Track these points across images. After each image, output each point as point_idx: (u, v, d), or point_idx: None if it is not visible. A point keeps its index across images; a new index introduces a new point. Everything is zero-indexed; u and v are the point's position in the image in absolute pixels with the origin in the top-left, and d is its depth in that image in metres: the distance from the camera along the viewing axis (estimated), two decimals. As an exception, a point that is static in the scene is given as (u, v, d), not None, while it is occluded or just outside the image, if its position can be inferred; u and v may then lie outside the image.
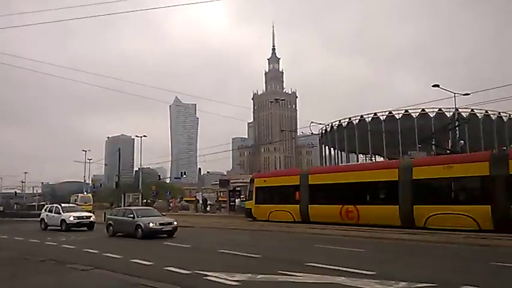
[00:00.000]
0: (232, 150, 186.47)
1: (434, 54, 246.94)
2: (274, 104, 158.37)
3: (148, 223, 17.67)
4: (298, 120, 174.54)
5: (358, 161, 72.01)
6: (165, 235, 17.56)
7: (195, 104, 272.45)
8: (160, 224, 17.97)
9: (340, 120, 66.69)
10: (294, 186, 24.93)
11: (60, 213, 23.76)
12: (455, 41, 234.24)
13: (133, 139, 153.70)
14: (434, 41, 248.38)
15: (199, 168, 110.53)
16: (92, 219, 23.81)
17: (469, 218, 17.16)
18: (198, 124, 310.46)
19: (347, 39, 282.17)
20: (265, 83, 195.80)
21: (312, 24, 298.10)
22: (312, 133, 55.98)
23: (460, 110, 47.10)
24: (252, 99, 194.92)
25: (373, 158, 69.05)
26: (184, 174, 61.17)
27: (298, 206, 24.35)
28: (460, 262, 10.66)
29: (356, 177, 22.15)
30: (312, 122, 54.28)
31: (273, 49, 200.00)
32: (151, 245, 15.39)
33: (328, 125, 68.39)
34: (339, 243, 14.26)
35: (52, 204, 28.61)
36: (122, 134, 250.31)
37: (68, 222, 22.89)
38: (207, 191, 75.48)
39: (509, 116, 59.02)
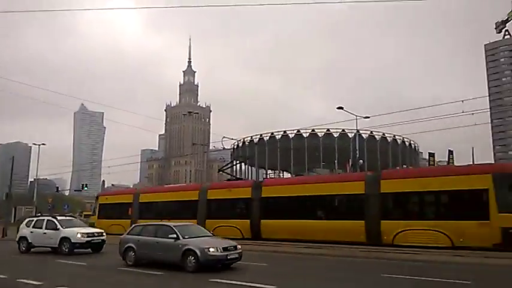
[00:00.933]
0: (141, 162, 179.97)
1: (344, 77, 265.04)
2: (188, 116, 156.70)
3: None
4: (211, 134, 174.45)
5: (267, 177, 73.90)
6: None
7: (103, 113, 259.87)
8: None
9: (251, 136, 68.03)
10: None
11: (58, 229, 17.31)
12: (363, 67, 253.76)
13: (31, 147, 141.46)
14: (345, 65, 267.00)
15: (103, 181, 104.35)
16: (104, 236, 17.87)
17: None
18: (104, 133, 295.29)
19: (261, 58, 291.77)
20: (180, 95, 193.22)
21: (227, 40, 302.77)
22: (224, 148, 56.32)
23: (360, 131, 50.66)
24: (165, 110, 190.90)
25: (281, 174, 71.28)
26: (86, 186, 57.12)
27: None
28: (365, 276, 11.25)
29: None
30: (224, 137, 54.69)
31: (189, 61, 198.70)
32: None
33: (240, 140, 69.33)
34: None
35: (38, 216, 21.71)
36: (18, 141, 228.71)
37: (74, 241, 16.76)
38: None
39: (402, 139, 65.01)
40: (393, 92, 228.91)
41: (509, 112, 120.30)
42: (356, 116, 37.16)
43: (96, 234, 17.50)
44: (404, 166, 71.11)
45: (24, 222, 19.10)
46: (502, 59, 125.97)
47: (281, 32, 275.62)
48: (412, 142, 68.25)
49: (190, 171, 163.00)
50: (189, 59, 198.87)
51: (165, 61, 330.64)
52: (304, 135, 63.10)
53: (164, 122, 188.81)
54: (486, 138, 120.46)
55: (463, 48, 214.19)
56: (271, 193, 22.14)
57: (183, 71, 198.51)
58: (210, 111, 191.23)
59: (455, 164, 69.76)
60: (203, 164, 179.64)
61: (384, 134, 62.39)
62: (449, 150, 69.72)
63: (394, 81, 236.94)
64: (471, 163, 38.16)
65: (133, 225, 14.85)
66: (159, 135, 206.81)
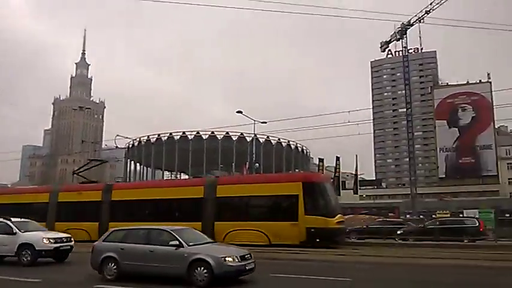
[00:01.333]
0: (22, 159, 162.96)
1: (246, 82, 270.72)
2: (79, 111, 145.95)
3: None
4: (104, 132, 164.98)
5: (163, 178, 72.20)
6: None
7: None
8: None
9: (148, 136, 65.89)
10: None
11: (14, 233, 13.96)
12: (265, 74, 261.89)
13: None
14: (249, 70, 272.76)
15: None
16: (72, 242, 14.96)
17: None
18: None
19: (162, 56, 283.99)
20: (70, 88, 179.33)
21: (127, 34, 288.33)
22: (117, 146, 53.51)
23: (258, 135, 52.20)
24: (53, 104, 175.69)
25: (179, 175, 70.23)
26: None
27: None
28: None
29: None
30: (117, 135, 51.95)
31: (83, 53, 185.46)
32: None
33: (135, 139, 66.68)
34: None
35: None
36: None
37: (38, 248, 13.56)
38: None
39: (296, 144, 68.54)
40: (291, 99, 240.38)
41: (388, 124, 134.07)
42: (254, 120, 38.34)
43: (64, 240, 14.57)
44: (297, 170, 75.06)
45: None
46: (385, 76, 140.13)
47: (184, 31, 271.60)
48: (304, 148, 72.23)
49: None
50: (83, 50, 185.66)
51: (55, 51, 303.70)
52: (204, 137, 62.96)
53: (51, 116, 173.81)
54: (370, 147, 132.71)
55: (355, 63, 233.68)
56: (120, 196, 22.68)
57: (76, 63, 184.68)
58: (104, 107, 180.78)
59: (341, 170, 75.73)
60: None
61: (279, 139, 65.10)
62: (337, 157, 75.27)
63: (293, 89, 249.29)
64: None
65: (112, 230, 11.79)
66: (45, 130, 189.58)
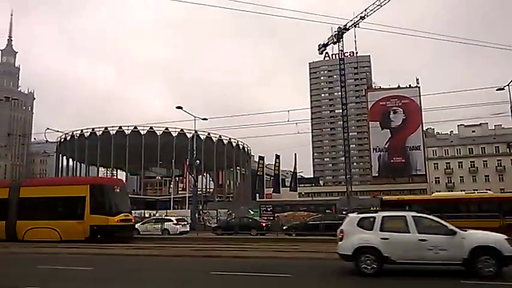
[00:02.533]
0: None
1: (186, 76, 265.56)
2: (4, 102, 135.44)
3: None
4: (33, 125, 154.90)
5: (98, 174, 69.09)
6: None
7: None
8: None
9: (82, 130, 62.66)
10: None
11: (453, 233, 9.81)
12: (205, 68, 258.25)
13: None
14: (187, 63, 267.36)
15: None
16: None
17: None
18: None
19: (94, 45, 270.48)
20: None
21: (54, 19, 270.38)
22: (47, 141, 50.33)
23: (198, 132, 51.51)
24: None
25: (115, 172, 67.58)
26: None
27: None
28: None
29: None
30: (47, 129, 49.00)
31: (9, 40, 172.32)
32: None
33: (68, 133, 63.17)
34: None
35: None
36: None
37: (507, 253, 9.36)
38: None
39: (237, 142, 68.66)
40: (232, 96, 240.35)
41: (326, 124, 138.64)
42: (194, 116, 37.71)
43: None
44: (238, 168, 75.30)
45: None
46: (322, 77, 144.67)
47: (116, 19, 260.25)
48: (245, 145, 72.58)
49: (6, 165, 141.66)
50: (10, 36, 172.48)
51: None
52: (142, 132, 60.99)
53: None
54: (307, 146, 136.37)
55: (295, 63, 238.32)
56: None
57: (1, 50, 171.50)
58: (34, 98, 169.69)
59: (281, 168, 77.08)
60: (22, 158, 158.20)
61: (220, 136, 64.74)
62: (276, 155, 76.64)
63: (234, 86, 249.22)
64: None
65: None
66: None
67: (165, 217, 31.65)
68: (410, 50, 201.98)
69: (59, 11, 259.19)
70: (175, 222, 29.28)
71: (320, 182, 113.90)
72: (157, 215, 36.84)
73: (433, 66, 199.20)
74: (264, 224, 29.27)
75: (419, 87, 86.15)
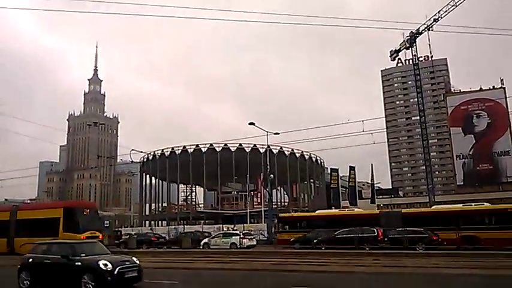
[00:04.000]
0: (39, 175, 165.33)
1: (254, 91, 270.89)
2: (93, 127, 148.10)
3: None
4: (118, 146, 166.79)
5: (179, 191, 72.44)
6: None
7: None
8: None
9: (162, 150, 66.31)
10: None
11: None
12: (272, 82, 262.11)
13: None
14: (256, 78, 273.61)
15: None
16: None
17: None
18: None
19: (168, 67, 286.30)
20: (84, 104, 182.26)
21: (130, 46, 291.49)
22: (132, 161, 53.99)
23: (271, 146, 52.11)
24: (68, 120, 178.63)
25: (194, 188, 70.41)
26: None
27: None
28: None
29: None
30: (132, 150, 52.60)
31: (95, 69, 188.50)
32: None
33: (150, 153, 67.18)
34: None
35: None
36: None
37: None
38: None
39: (310, 155, 68.26)
40: (303, 108, 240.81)
41: (402, 132, 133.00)
42: (267, 132, 38.32)
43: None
44: (312, 180, 74.70)
45: None
46: (396, 84, 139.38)
47: (186, 41, 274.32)
48: (318, 158, 71.91)
49: (95, 185, 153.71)
50: (95, 66, 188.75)
51: (64, 65, 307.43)
52: (217, 149, 63.07)
53: (66, 132, 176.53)
54: (384, 156, 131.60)
55: (362, 71, 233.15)
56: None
57: (89, 80, 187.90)
58: (118, 122, 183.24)
59: (357, 179, 75.14)
60: (110, 178, 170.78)
61: (292, 150, 64.83)
62: (351, 166, 74.97)
63: (304, 97, 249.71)
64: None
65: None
66: (61, 146, 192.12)
67: (233, 231, 32.50)
68: (489, 49, 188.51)
69: (132, 38, 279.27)
70: (242, 236, 30.04)
71: (399, 192, 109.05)
72: (235, 228, 37.77)
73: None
74: (381, 237, 26.20)
75: (504, 88, 79.92)
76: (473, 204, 28.12)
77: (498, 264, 15.00)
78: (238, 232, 31.19)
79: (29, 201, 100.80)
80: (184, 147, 64.54)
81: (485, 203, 27.65)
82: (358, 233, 25.53)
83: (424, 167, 59.79)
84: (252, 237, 31.06)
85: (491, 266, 14.41)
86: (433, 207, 31.97)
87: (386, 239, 25.26)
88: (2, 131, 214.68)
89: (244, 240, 29.46)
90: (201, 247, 30.05)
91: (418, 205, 73.74)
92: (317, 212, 35.51)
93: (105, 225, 33.48)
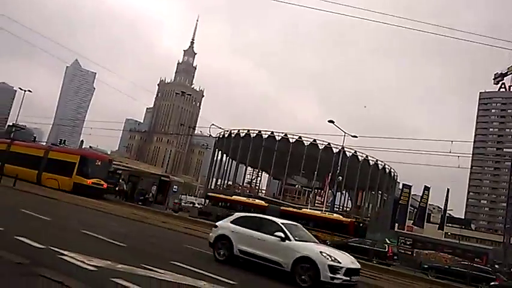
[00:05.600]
0: (124, 130, 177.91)
1: (340, 89, 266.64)
2: (180, 96, 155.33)
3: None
4: (199, 118, 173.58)
5: (245, 173, 74.04)
6: None
7: (95, 73, 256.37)
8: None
9: (239, 130, 67.95)
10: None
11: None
12: (361, 84, 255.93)
13: (16, 90, 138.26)
14: (344, 78, 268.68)
15: (82, 141, 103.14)
16: None
17: None
18: (93, 94, 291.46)
19: (260, 52, 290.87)
20: (176, 73, 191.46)
21: (230, 26, 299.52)
22: (210, 135, 56.09)
23: (345, 148, 51.14)
24: (158, 85, 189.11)
25: (260, 173, 71.55)
26: (64, 142, 55.79)
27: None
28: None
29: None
30: (212, 124, 54.53)
31: (192, 42, 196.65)
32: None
33: (227, 131, 69.19)
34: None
35: None
36: (4, 83, 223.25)
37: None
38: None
39: (384, 165, 65.90)
40: (384, 114, 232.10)
41: (489, 162, 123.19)
42: (345, 132, 37.63)
43: None
44: (380, 192, 72.23)
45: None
46: (494, 110, 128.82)
47: (287, 30, 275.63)
48: (392, 170, 69.25)
49: (171, 150, 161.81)
50: (193, 39, 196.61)
51: (163, 30, 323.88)
52: (291, 140, 63.26)
53: (155, 96, 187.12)
54: (462, 182, 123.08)
55: (459, 89, 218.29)
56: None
57: (184, 50, 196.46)
58: (203, 96, 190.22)
59: (429, 201, 71.15)
60: (185, 147, 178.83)
61: (367, 156, 63.10)
62: (426, 186, 70.98)
63: (388, 104, 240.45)
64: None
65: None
66: (147, 108, 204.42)
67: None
68: None
69: (233, 18, 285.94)
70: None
71: (471, 225, 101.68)
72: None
73: None
74: (390, 254, 25.98)
75: None
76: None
77: None
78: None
79: (109, 152, 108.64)
80: (259, 131, 65.58)
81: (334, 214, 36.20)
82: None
83: (505, 204, 54.92)
84: None
85: None
86: (302, 209, 38.10)
87: None
88: (99, 82, 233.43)
89: None
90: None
91: (490, 243, 68.43)
92: (233, 197, 42.84)
93: (174, 190, 35.08)
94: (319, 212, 35.93)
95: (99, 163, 30.80)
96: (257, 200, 40.04)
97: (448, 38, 53.72)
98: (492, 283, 21.97)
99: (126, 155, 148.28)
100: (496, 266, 32.23)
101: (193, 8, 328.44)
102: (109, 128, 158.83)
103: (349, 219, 34.32)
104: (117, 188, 33.58)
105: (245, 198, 41.28)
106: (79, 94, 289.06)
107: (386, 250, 25.88)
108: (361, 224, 35.36)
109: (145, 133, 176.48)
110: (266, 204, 37.62)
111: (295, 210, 36.99)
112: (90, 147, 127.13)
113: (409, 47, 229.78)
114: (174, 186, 35.28)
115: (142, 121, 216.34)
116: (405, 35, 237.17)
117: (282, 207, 37.66)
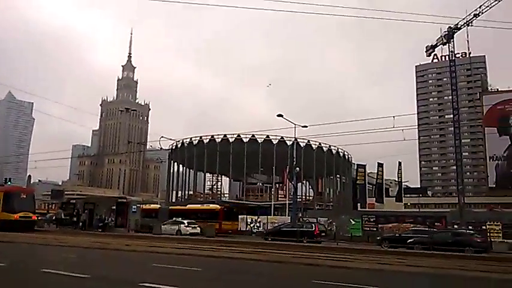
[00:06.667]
0: (72, 158, 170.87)
1: (286, 82, 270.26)
2: (125, 113, 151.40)
3: None
4: (148, 133, 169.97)
5: (205, 180, 73.29)
6: None
7: (32, 103, 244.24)
8: None
9: (191, 138, 67.10)
10: None
11: None
12: (306, 74, 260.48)
13: None
14: (289, 69, 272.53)
15: (30, 176, 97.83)
16: None
17: None
18: (33, 125, 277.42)
19: (200, 54, 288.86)
20: (117, 90, 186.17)
21: (167, 32, 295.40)
22: (161, 148, 54.87)
23: (298, 139, 51.86)
24: (101, 105, 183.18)
25: (220, 178, 71.08)
26: (9, 181, 52.74)
27: None
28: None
29: None
30: (162, 137, 53.49)
31: (129, 56, 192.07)
32: None
33: (178, 141, 68.09)
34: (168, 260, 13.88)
35: None
36: None
37: None
38: (37, 202, 66.86)
39: (337, 149, 67.56)
40: (333, 101, 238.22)
41: (434, 130, 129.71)
42: (295, 124, 38.13)
43: None
44: (338, 176, 74.02)
45: None
46: (431, 81, 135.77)
47: (221, 29, 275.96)
48: (346, 153, 71.14)
49: (125, 170, 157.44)
50: (130, 53, 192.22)
51: (98, 48, 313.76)
52: (244, 140, 63.28)
53: (99, 117, 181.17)
54: (413, 154, 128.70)
55: (400, 67, 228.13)
56: None
57: (122, 66, 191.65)
58: (149, 109, 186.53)
59: (385, 176, 73.79)
60: (139, 164, 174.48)
61: (320, 144, 64.31)
62: (379, 163, 73.73)
63: (336, 90, 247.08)
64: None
65: None
66: (93, 130, 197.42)
67: (180, 220, 34.68)
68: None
69: (169, 24, 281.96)
70: (186, 225, 33.21)
71: (428, 192, 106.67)
72: (258, 220, 38.40)
73: None
74: (317, 232, 28.59)
75: (545, 88, 76.45)
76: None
77: None
78: (184, 221, 33.90)
79: (60, 183, 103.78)
80: (212, 136, 65.07)
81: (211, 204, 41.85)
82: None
83: (455, 167, 58.05)
84: (195, 226, 33.37)
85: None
86: (187, 205, 43.74)
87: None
88: (37, 112, 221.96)
89: (188, 228, 32.70)
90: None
91: (447, 206, 72.06)
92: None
93: (133, 211, 34.17)
94: (199, 206, 43.01)
95: (25, 196, 31.64)
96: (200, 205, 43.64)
97: (389, 20, 55.79)
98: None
99: (78, 183, 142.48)
100: (455, 226, 33.99)
101: (123, 20, 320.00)
102: (56, 158, 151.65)
103: (219, 207, 39.63)
104: (79, 219, 33.70)
105: (190, 206, 43.64)
106: (18, 128, 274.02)
107: (313, 229, 28.81)
108: (233, 210, 41.74)
109: (94, 157, 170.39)
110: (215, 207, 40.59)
111: (181, 207, 43.43)
112: (40, 181, 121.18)
113: (351, 33, 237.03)
114: (133, 207, 34.36)
115: (90, 145, 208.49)
116: (345, 21, 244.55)
117: (170, 207, 44.57)
